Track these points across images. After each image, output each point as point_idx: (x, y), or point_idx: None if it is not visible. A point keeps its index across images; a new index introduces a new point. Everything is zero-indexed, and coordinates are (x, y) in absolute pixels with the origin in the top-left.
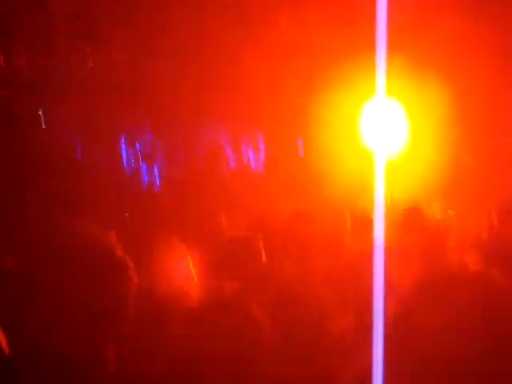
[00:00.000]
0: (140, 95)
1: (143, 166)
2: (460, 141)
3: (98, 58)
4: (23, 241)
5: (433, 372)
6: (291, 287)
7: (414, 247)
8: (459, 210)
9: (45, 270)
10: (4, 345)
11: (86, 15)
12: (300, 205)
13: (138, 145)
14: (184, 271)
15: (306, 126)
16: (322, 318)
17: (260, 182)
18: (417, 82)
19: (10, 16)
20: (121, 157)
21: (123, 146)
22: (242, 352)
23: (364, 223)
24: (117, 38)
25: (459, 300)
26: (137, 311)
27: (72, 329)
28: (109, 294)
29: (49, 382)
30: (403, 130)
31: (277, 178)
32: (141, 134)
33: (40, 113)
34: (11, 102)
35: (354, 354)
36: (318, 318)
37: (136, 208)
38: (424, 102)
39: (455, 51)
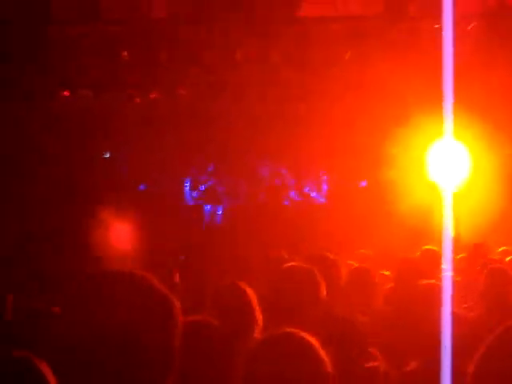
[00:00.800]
0: (205, 136)
1: (206, 206)
2: None
3: (166, 99)
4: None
5: None
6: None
7: (479, 282)
8: None
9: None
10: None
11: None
12: (361, 240)
13: (201, 187)
14: (244, 303)
15: (371, 163)
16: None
17: (322, 218)
18: (479, 125)
19: (78, 56)
20: (184, 195)
21: (187, 188)
22: None
23: (431, 256)
24: (183, 79)
25: None
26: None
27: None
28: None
29: None
30: (468, 168)
31: (340, 213)
32: (204, 176)
33: (107, 155)
34: (79, 141)
35: None
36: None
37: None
38: (486, 143)
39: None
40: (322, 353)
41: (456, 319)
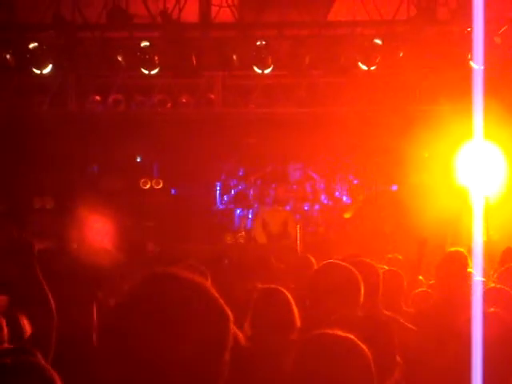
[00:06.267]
0: (235, 140)
1: (237, 210)
2: None
3: (197, 104)
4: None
5: None
6: None
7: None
8: None
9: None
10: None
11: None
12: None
13: (232, 191)
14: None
15: (402, 166)
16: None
17: (353, 221)
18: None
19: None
20: (215, 199)
21: (218, 191)
22: None
23: (457, 260)
24: (213, 84)
25: None
26: None
27: None
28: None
29: None
30: (500, 171)
31: (371, 217)
32: (235, 180)
33: (139, 159)
34: (110, 145)
35: None
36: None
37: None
38: None
39: None
40: (367, 352)
41: (494, 319)
